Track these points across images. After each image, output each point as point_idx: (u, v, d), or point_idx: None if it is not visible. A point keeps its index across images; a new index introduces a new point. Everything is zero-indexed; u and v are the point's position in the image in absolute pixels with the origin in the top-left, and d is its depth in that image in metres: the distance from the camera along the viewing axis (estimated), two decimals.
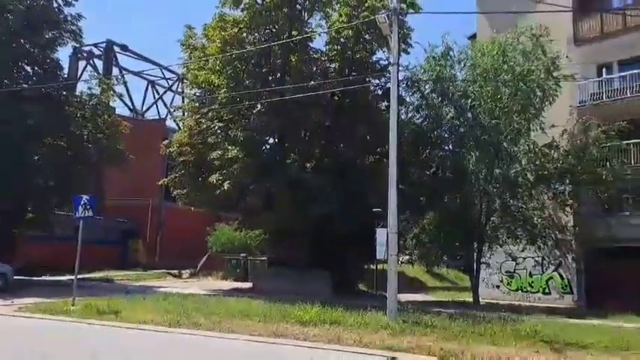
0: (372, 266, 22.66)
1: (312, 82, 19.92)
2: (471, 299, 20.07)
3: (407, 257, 22.48)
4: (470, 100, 19.41)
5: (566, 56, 20.29)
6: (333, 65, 22.01)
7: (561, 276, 22.52)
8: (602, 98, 21.44)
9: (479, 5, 26.11)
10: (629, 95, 20.87)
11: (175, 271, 30.47)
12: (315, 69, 21.72)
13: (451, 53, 20.29)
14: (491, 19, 24.27)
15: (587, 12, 22.91)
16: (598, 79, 22.34)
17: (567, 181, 19.57)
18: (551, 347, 9.60)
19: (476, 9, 25.96)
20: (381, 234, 18.81)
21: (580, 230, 20.37)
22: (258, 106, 20.18)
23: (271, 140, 22.98)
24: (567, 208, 20.15)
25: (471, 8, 26.60)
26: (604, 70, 22.64)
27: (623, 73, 21.73)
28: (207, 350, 9.15)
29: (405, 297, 19.17)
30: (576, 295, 21.55)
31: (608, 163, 19.22)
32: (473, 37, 26.72)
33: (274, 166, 19.97)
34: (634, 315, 15.97)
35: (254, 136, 20.59)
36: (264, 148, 22.38)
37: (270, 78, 21.32)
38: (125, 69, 42.50)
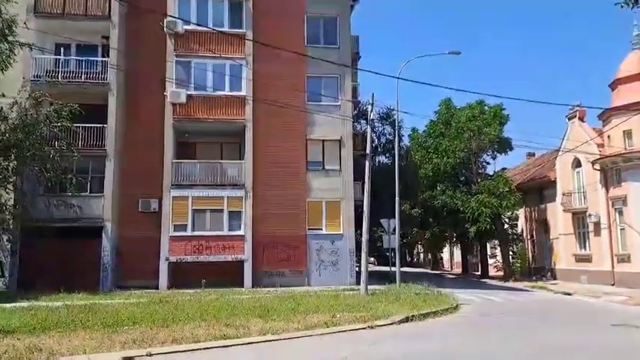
0: None
1: None
2: None
3: None
4: None
5: (25, 23, 19.01)
6: None
7: None
8: (58, 77, 21.13)
9: None
10: (83, 80, 21.48)
11: None
12: None
13: None
14: None
15: None
16: (55, 56, 21.98)
17: (12, 156, 18.28)
18: None
19: None
20: None
21: (20, 209, 19.33)
22: None
23: None
24: (9, 186, 18.82)
25: None
26: (62, 49, 22.50)
27: (80, 58, 22.18)
28: None
29: None
30: (8, 278, 20.24)
31: (57, 143, 19.07)
32: None
33: None
34: (64, 293, 16.44)
35: None
36: None
37: None
38: None
